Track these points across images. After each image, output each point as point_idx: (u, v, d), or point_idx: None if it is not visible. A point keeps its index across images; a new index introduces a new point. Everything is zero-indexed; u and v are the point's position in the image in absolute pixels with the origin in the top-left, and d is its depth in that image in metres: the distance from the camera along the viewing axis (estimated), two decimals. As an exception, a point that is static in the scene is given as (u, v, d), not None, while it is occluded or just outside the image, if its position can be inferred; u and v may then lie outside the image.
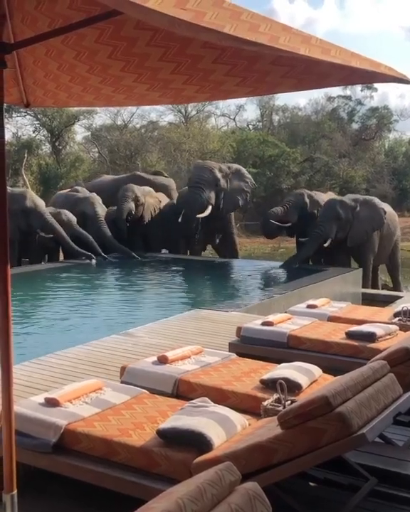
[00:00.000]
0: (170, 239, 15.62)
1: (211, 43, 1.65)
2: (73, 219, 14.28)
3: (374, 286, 13.71)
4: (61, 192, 17.39)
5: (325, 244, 12.82)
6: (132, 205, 15.12)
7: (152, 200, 15.81)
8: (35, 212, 13.40)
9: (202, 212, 14.40)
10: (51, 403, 3.60)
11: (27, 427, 3.41)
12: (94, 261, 13.84)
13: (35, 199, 13.72)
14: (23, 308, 9.70)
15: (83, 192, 15.85)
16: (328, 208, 13.09)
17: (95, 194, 15.42)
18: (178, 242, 15.55)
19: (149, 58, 1.86)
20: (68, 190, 16.80)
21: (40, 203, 13.79)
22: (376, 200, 13.28)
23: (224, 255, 15.75)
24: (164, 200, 16.48)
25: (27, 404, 3.65)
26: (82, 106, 2.46)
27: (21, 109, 28.40)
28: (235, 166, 15.86)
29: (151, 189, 16.12)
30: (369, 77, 1.56)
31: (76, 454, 3.32)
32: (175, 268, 14.08)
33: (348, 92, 37.03)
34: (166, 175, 18.93)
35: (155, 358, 4.68)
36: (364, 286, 12.61)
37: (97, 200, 15.17)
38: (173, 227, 15.02)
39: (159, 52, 1.82)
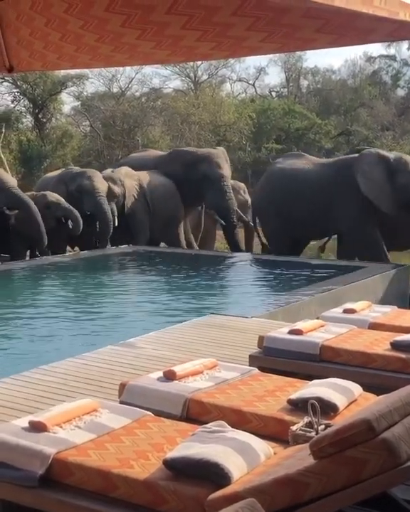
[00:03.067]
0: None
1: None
2: (60, 198, 14.64)
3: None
4: (48, 174, 17.62)
5: None
6: (113, 205, 15.62)
7: (131, 182, 16.30)
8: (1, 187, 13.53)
9: None
10: (37, 428, 3.61)
11: (8, 456, 3.42)
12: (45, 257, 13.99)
13: (0, 173, 13.97)
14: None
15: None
16: None
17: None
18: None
19: (154, 11, 1.85)
20: (60, 172, 17.05)
21: (7, 176, 14.02)
22: None
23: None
24: (145, 179, 16.83)
25: (8, 428, 3.66)
26: (77, 68, 2.48)
27: (-2, 75, 28.48)
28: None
29: (127, 169, 16.61)
30: (423, 31, 1.55)
31: (67, 489, 3.33)
32: (181, 265, 14.12)
33: (392, 50, 36.85)
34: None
35: (160, 374, 4.68)
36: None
37: (98, 175, 15.64)
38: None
39: (166, 3, 1.81)
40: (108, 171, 16.48)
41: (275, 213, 15.22)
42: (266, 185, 15.89)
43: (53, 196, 14.76)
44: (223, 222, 16.09)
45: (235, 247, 16.50)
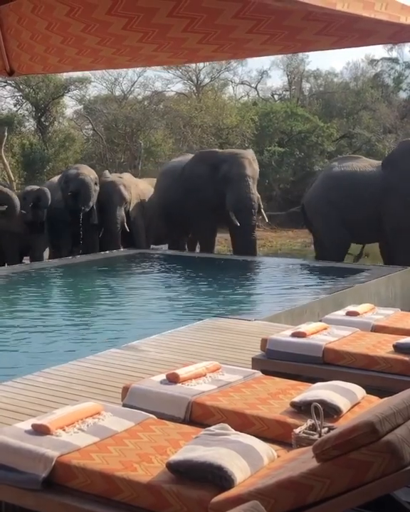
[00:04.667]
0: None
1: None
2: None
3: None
4: (52, 179, 17.80)
5: None
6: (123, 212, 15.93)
7: (137, 191, 16.64)
8: None
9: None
10: (40, 431, 3.62)
11: (11, 459, 3.42)
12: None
13: None
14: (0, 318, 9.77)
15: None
16: None
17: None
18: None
19: (156, 14, 1.86)
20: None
21: None
22: None
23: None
24: (147, 186, 17.23)
25: (11, 432, 3.66)
26: (78, 70, 2.47)
27: (0, 79, 28.53)
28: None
29: (130, 176, 17.01)
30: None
31: (70, 492, 3.33)
32: (183, 267, 14.13)
33: (394, 53, 36.76)
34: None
35: (163, 377, 4.69)
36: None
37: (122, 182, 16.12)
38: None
39: (168, 6, 1.82)
40: (115, 176, 16.70)
41: (334, 215, 14.97)
42: (323, 186, 15.50)
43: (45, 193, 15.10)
44: (237, 223, 15.29)
45: (243, 250, 15.66)
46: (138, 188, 16.81)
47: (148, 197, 17.03)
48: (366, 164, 15.47)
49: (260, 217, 16.64)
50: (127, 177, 16.82)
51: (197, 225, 16.33)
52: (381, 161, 15.57)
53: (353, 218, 14.75)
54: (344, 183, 15.02)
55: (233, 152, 16.69)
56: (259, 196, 15.80)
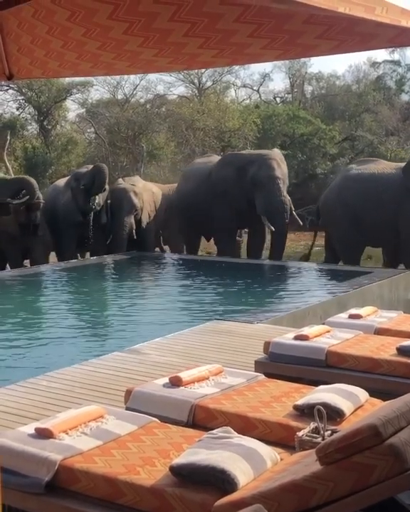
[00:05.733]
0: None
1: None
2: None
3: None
4: (56, 182, 17.80)
5: None
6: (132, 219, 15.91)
7: (150, 197, 16.64)
8: None
9: None
10: (43, 434, 3.62)
11: (14, 462, 3.43)
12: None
13: None
14: (3, 321, 9.77)
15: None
16: None
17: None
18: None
19: (157, 18, 1.86)
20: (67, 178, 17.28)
21: None
22: None
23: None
24: (157, 191, 17.19)
25: (14, 435, 3.67)
26: (77, 76, 2.48)
27: (2, 83, 28.58)
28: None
29: (138, 179, 16.99)
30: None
31: (73, 495, 3.33)
32: (187, 270, 14.13)
33: (396, 55, 36.79)
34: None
35: (166, 380, 4.68)
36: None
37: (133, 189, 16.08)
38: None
39: (169, 11, 1.82)
40: (128, 184, 16.68)
41: (349, 217, 14.72)
42: (340, 188, 15.20)
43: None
44: (272, 228, 15.01)
45: (276, 255, 15.56)
46: (152, 194, 16.74)
47: (160, 202, 16.97)
48: (384, 166, 15.22)
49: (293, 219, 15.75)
50: (140, 184, 16.71)
51: (220, 229, 15.95)
52: (398, 164, 15.43)
53: (370, 220, 14.51)
54: (363, 185, 14.75)
55: (261, 153, 16.20)
56: (290, 199, 15.45)
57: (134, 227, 15.76)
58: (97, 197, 15.15)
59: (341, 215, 14.82)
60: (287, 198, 15.25)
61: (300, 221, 15.78)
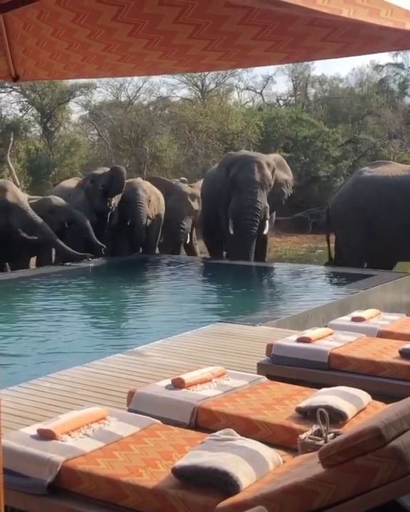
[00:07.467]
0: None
1: (236, 2, 1.66)
2: (64, 202, 14.84)
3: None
4: (61, 184, 17.83)
5: None
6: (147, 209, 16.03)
7: (153, 197, 16.66)
8: (17, 208, 13.60)
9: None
10: (45, 436, 3.62)
11: (17, 464, 3.43)
12: (92, 263, 14.08)
13: (17, 193, 14.05)
14: (8, 323, 9.78)
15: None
16: None
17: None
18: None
19: (161, 20, 1.87)
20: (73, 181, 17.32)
21: (23, 197, 14.11)
22: None
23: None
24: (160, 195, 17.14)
25: (17, 437, 3.67)
26: (82, 77, 2.48)
27: (6, 84, 28.64)
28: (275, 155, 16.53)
29: (150, 185, 16.97)
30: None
31: (75, 497, 3.34)
32: (190, 273, 14.13)
33: (399, 58, 36.84)
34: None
35: (169, 382, 4.69)
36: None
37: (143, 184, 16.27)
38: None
39: (173, 13, 1.83)
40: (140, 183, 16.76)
41: (361, 221, 14.36)
42: (352, 191, 14.89)
43: (57, 200, 14.91)
44: (231, 231, 14.71)
45: (233, 257, 15.27)
46: (157, 198, 16.71)
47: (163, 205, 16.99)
48: (397, 169, 15.00)
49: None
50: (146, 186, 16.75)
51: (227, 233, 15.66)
52: None
53: (381, 224, 14.23)
54: (375, 188, 14.49)
55: (245, 155, 15.95)
56: (267, 206, 15.08)
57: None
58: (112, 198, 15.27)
59: (352, 218, 14.54)
60: (261, 203, 14.89)
61: (266, 230, 15.46)
